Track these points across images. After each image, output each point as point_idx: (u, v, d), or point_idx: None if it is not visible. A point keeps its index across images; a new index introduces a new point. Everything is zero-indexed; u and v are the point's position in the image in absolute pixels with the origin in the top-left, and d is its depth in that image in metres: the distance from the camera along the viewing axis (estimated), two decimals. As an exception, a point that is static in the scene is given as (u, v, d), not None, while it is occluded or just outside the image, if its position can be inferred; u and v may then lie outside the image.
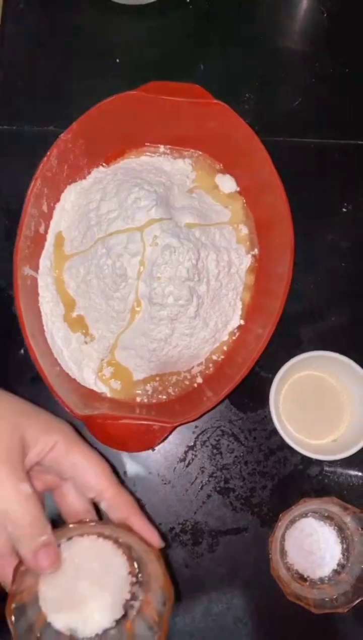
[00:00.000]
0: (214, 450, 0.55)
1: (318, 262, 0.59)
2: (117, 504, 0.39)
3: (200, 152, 0.58)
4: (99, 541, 0.39)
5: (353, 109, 0.63)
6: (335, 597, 0.49)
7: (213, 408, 0.51)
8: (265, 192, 0.54)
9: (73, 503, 0.40)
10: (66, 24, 0.65)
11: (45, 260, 0.55)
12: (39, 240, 0.55)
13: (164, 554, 0.39)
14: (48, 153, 0.53)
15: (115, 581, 0.38)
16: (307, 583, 0.52)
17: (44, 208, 0.55)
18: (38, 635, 0.37)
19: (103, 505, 0.39)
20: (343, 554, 0.52)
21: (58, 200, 0.56)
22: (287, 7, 0.65)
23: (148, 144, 0.58)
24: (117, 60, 0.63)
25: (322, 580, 0.52)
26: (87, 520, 0.40)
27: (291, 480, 0.55)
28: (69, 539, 0.39)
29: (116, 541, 0.39)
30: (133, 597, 0.39)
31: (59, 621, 0.37)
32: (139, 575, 0.39)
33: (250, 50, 0.64)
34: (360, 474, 0.55)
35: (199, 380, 0.55)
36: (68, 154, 0.54)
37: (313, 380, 0.55)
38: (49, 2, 0.65)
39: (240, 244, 0.56)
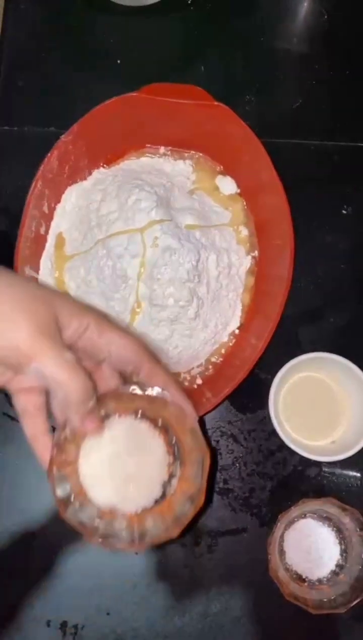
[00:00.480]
0: (214, 451, 0.55)
1: (318, 263, 0.59)
2: (154, 375, 0.40)
3: (201, 154, 0.58)
4: (136, 422, 0.40)
5: (354, 111, 0.63)
6: (333, 597, 0.50)
7: (213, 409, 0.52)
8: (265, 193, 0.54)
9: (109, 387, 0.41)
10: (66, 24, 0.65)
11: (46, 261, 0.55)
12: (39, 241, 0.55)
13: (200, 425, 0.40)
14: (49, 154, 0.53)
15: (153, 461, 0.39)
16: (306, 584, 0.52)
17: (45, 209, 0.55)
18: (78, 508, 0.37)
19: (141, 378, 0.40)
20: (342, 555, 0.52)
21: (59, 201, 0.56)
22: (288, 9, 0.65)
23: (149, 145, 0.58)
24: (118, 62, 0.63)
25: (320, 580, 0.52)
26: (125, 388, 0.40)
27: (290, 481, 0.55)
28: (108, 417, 0.39)
29: (153, 422, 0.40)
30: (171, 476, 0.40)
31: (100, 497, 0.38)
32: (177, 454, 0.40)
33: (250, 52, 0.64)
34: (358, 475, 0.55)
35: (199, 381, 0.55)
36: (69, 155, 0.54)
37: (312, 382, 0.56)
38: (50, 3, 0.65)
39: (240, 245, 0.56)
